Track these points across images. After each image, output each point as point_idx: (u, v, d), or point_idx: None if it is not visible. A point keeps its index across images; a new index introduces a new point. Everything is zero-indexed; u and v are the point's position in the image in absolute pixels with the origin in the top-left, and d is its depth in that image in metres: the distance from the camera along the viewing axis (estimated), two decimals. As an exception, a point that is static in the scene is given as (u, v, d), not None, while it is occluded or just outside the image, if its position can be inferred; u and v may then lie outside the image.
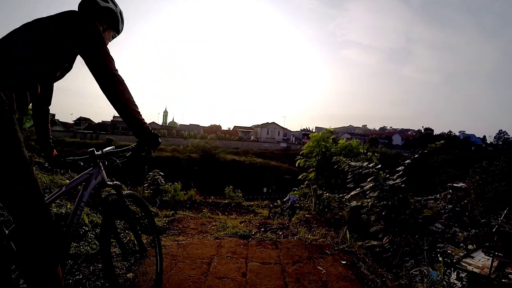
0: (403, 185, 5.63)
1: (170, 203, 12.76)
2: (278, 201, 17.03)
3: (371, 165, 6.13)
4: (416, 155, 6.68)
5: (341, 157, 7.05)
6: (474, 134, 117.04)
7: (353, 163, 6.44)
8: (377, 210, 5.68)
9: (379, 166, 6.18)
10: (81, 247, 3.55)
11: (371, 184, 5.83)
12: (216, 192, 18.93)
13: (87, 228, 4.12)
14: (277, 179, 49.27)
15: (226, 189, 16.56)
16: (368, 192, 5.91)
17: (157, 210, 9.44)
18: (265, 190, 43.20)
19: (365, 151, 10.54)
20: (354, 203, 6.55)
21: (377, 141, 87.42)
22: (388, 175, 5.98)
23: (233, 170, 46.18)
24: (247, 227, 5.84)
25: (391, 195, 5.48)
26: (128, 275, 3.02)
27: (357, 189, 6.31)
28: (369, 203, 5.94)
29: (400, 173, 6.02)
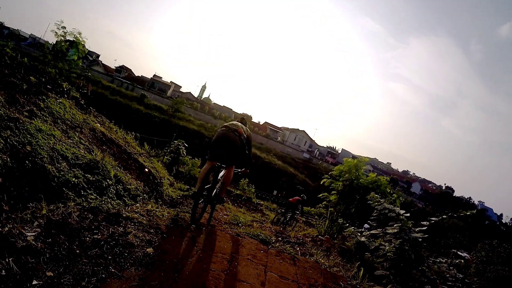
0: (420, 239, 5.50)
1: (185, 176, 12.71)
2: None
3: (402, 212, 5.94)
4: (445, 216, 6.52)
5: (374, 193, 6.89)
6: (492, 209, 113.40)
7: (386, 205, 6.27)
8: (394, 257, 5.50)
9: (408, 214, 5.99)
10: (103, 203, 3.37)
11: (396, 230, 5.66)
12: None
13: (110, 182, 3.95)
14: (290, 186, 49.07)
15: (241, 180, 16.43)
16: (388, 236, 5.75)
17: (173, 180, 9.35)
18: (275, 192, 43.04)
19: (392, 191, 10.32)
20: (376, 243, 6.34)
21: (397, 182, 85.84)
22: (411, 226, 5.84)
23: (251, 164, 46.05)
24: (262, 229, 5.69)
25: (409, 247, 5.34)
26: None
27: (378, 229, 6.17)
28: (386, 248, 5.77)
29: (424, 228, 5.84)
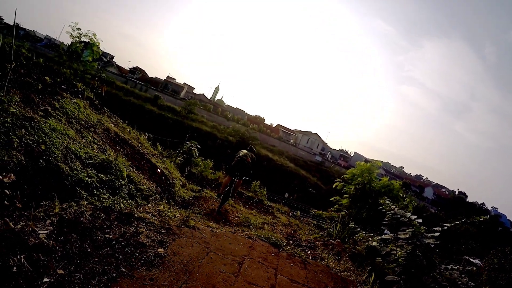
0: (432, 245, 5.38)
1: (197, 177, 12.72)
2: (298, 211, 16.76)
3: (413, 217, 5.85)
4: (457, 222, 6.44)
5: (385, 198, 6.78)
6: (505, 215, 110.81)
7: (397, 211, 6.17)
8: (405, 262, 5.41)
9: (420, 220, 5.88)
10: (116, 202, 3.38)
11: (408, 236, 5.56)
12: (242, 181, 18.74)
13: (123, 182, 3.96)
14: (302, 189, 48.82)
15: (253, 182, 16.37)
16: (400, 241, 5.66)
17: (185, 181, 9.36)
18: (286, 195, 42.85)
19: (404, 196, 10.19)
20: (387, 248, 6.25)
21: (410, 187, 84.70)
22: (424, 232, 5.73)
23: (263, 166, 45.88)
24: (274, 232, 5.68)
25: (421, 253, 5.28)
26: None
27: (390, 234, 6.10)
28: (397, 253, 5.69)
29: (436, 234, 5.73)
